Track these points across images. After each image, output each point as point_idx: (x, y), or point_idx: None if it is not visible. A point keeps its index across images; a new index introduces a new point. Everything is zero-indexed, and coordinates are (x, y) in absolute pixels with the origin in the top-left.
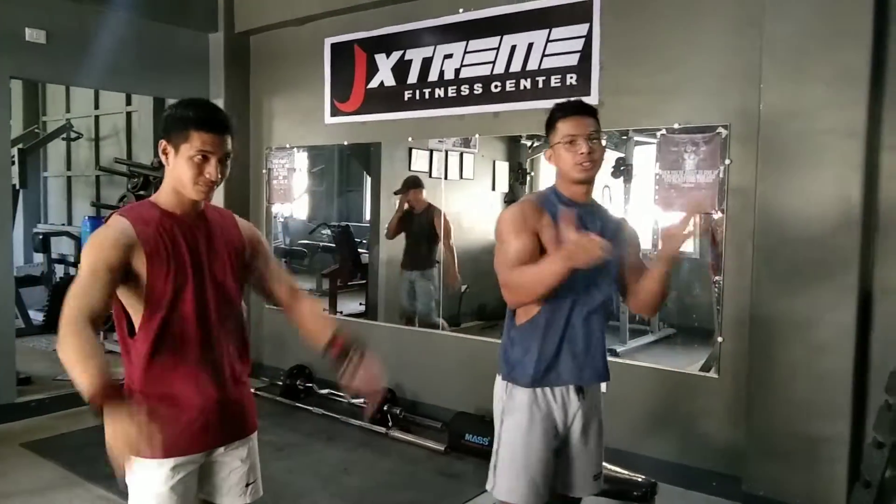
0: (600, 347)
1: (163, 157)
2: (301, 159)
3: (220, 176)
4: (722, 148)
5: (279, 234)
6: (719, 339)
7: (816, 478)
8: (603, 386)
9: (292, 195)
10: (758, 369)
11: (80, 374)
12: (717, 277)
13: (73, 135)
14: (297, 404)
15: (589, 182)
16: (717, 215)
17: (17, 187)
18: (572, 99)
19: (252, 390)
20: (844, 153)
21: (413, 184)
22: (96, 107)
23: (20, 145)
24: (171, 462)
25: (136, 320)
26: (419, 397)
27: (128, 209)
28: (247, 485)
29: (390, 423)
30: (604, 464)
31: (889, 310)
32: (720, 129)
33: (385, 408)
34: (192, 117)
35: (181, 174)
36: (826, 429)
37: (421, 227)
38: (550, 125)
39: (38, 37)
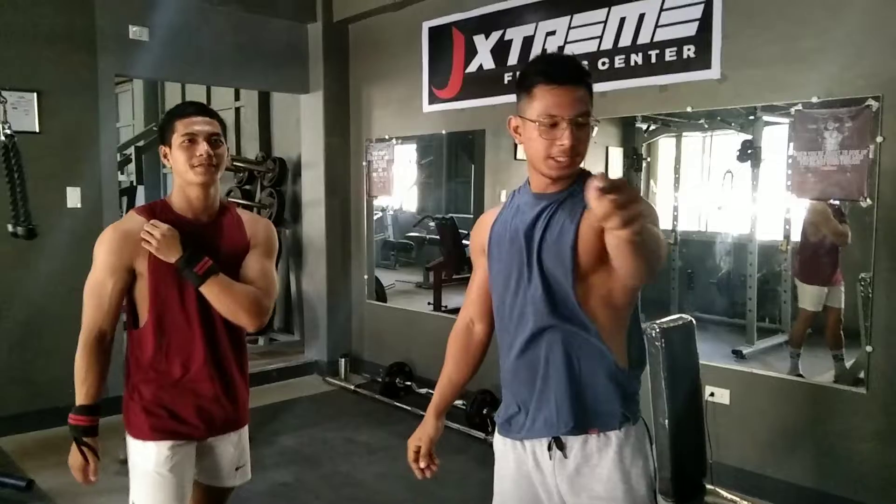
0: (566, 386)
1: (165, 163)
2: (401, 151)
3: (212, 155)
4: (872, 123)
5: (387, 227)
6: (868, 349)
7: None
8: (619, 437)
9: (392, 187)
10: None
11: (76, 393)
12: (865, 274)
13: None
14: (396, 403)
15: (556, 180)
16: (866, 202)
17: (135, 184)
18: (557, 52)
19: (352, 386)
20: None
21: None
22: (208, 102)
23: (140, 143)
24: (168, 443)
25: (142, 314)
26: None
27: (145, 208)
28: (237, 468)
29: (491, 428)
30: (721, 491)
31: None
32: (870, 102)
33: (485, 411)
34: (174, 112)
35: (178, 165)
36: None
37: None
38: (526, 85)
39: (142, 34)
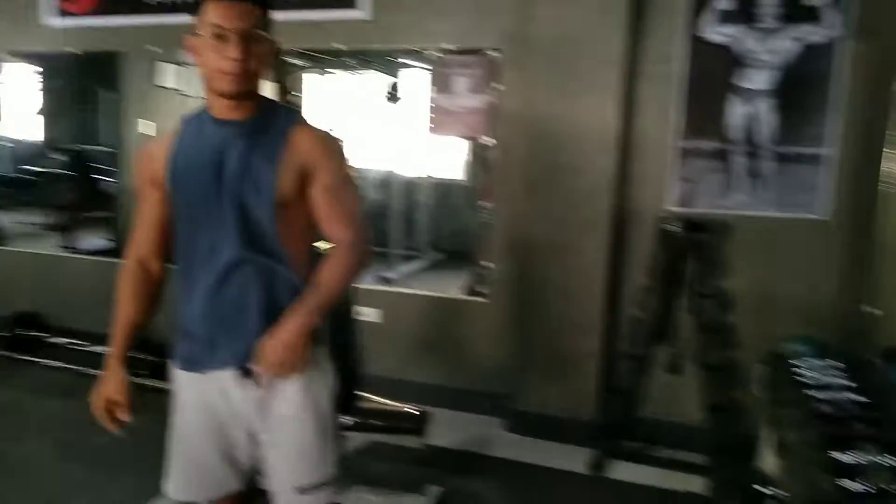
0: (257, 318)
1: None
2: (18, 70)
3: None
4: (492, 72)
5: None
6: (489, 264)
7: (574, 389)
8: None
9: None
10: (523, 291)
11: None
12: (486, 203)
13: None
14: (26, 357)
15: (241, 98)
16: (489, 141)
17: None
18: None
19: None
20: (605, 81)
21: None
22: None
23: None
24: None
25: None
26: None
27: None
28: None
29: (142, 371)
30: (372, 397)
31: (639, 231)
32: (491, 53)
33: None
34: None
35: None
36: (583, 344)
37: None
38: (198, 5)
39: None
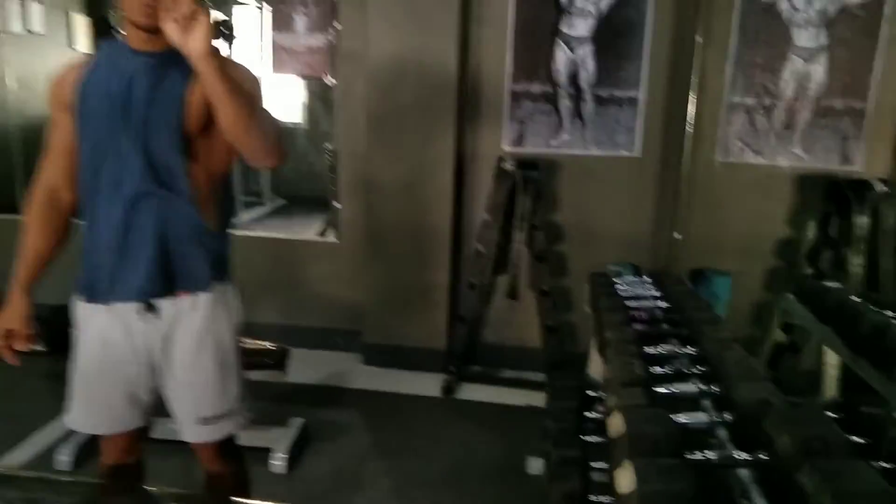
0: (156, 252)
1: None
2: None
3: None
4: (332, 11)
5: None
6: (337, 206)
7: (425, 321)
8: (207, 296)
9: None
10: (372, 231)
11: None
12: (331, 145)
13: None
14: None
15: (156, 31)
16: (331, 81)
17: None
18: None
19: None
20: (442, 22)
21: None
22: None
23: None
24: None
25: None
26: None
27: None
28: None
29: None
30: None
31: (477, 170)
32: None
33: None
34: None
35: None
36: (431, 278)
37: None
38: None
39: None
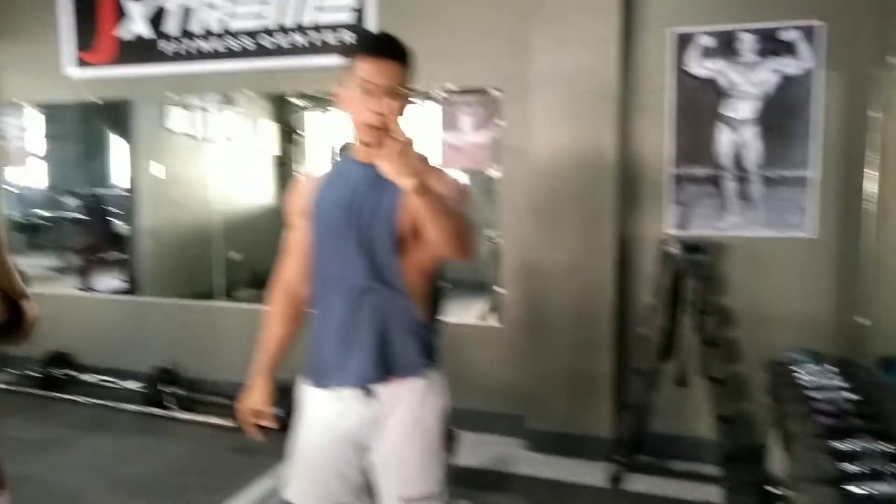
0: (377, 342)
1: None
2: (38, 118)
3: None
4: (495, 109)
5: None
6: (500, 290)
7: (589, 407)
8: (418, 383)
9: (26, 158)
10: (535, 315)
11: None
12: (494, 232)
13: None
14: (58, 395)
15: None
16: (494, 173)
17: None
18: (382, 32)
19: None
20: (601, 114)
21: None
22: None
23: None
24: None
25: None
26: (201, 374)
27: None
28: None
29: (171, 404)
30: None
31: (640, 254)
32: (493, 92)
33: (164, 388)
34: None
35: None
36: (595, 363)
37: None
38: (348, 59)
39: None
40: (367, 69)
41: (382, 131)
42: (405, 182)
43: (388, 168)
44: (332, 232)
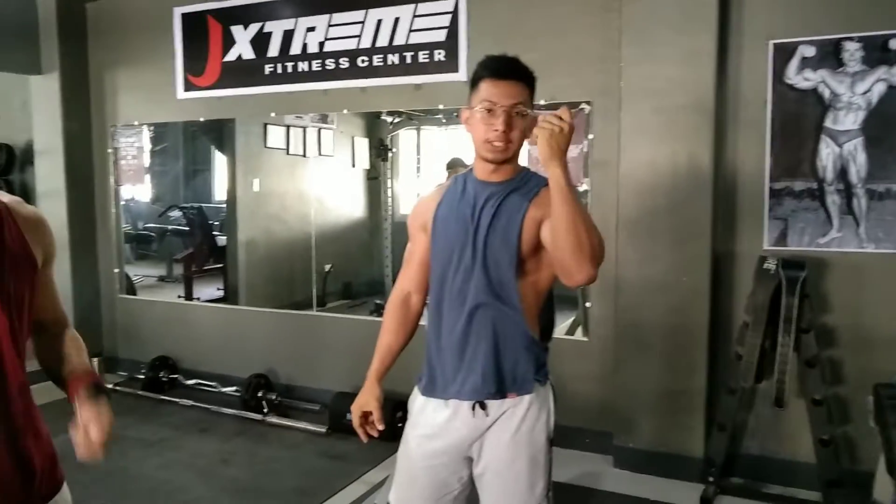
0: (492, 357)
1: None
2: (150, 137)
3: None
4: (585, 124)
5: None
6: (587, 305)
7: (680, 426)
8: (530, 398)
9: (142, 176)
10: (624, 331)
11: None
12: None
13: None
14: (163, 397)
15: (500, 163)
16: (583, 186)
17: None
18: (508, 55)
19: (111, 386)
20: (695, 128)
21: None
22: None
23: None
24: None
25: None
26: (294, 381)
27: None
28: None
29: (266, 410)
30: None
31: (735, 270)
32: (583, 106)
33: (259, 394)
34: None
35: None
36: (685, 381)
37: None
38: (474, 81)
39: None
40: (492, 91)
41: (503, 147)
42: (553, 165)
43: (541, 149)
44: (451, 247)
